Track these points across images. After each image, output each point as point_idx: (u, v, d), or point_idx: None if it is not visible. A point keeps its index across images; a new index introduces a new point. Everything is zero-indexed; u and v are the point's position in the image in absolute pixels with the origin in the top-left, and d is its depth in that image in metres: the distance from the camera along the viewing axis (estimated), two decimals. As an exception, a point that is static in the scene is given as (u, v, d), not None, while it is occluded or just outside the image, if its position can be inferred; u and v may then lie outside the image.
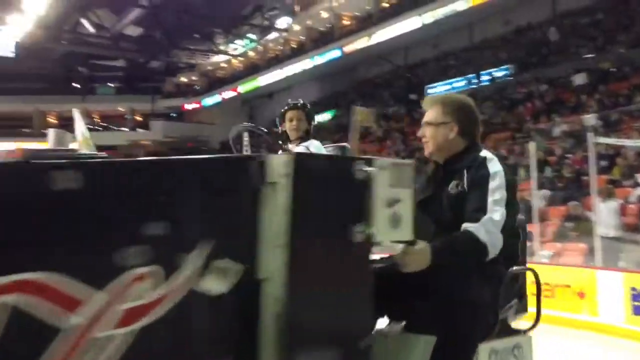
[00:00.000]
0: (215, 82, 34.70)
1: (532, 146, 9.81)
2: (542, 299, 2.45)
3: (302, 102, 3.75)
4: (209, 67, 35.91)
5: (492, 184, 2.13)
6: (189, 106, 36.14)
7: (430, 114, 2.35)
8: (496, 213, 2.08)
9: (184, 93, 36.31)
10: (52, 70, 34.01)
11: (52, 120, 36.70)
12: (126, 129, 36.94)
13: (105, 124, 36.90)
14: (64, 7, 26.81)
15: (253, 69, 31.49)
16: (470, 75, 21.15)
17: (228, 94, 33.28)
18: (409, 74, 24.91)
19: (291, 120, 3.59)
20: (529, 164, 9.74)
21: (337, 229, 1.74)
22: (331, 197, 1.74)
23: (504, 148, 14.04)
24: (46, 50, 30.56)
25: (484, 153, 2.25)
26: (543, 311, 2.41)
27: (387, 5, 24.45)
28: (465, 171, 2.21)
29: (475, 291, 2.09)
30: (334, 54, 25.50)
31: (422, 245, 1.99)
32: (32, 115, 35.52)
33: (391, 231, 1.85)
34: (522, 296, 2.43)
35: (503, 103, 18.47)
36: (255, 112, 33.63)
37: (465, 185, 2.18)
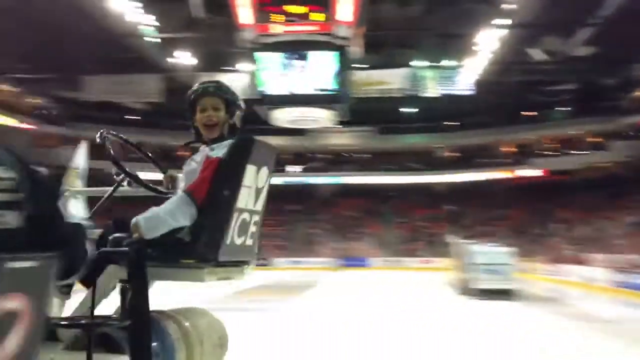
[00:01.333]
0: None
1: None
2: None
3: (220, 84, 2.43)
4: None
5: None
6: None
7: None
8: None
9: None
10: (503, 101, 35.67)
11: (505, 149, 38.63)
12: (582, 152, 35.86)
13: (560, 149, 36.86)
14: (514, 41, 27.87)
15: None
16: None
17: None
18: None
19: (203, 111, 2.37)
20: None
21: None
22: None
23: None
24: (498, 84, 32.28)
25: None
26: None
27: None
28: None
29: None
30: None
31: None
32: (487, 146, 38.24)
33: None
34: None
35: None
36: None
37: None
